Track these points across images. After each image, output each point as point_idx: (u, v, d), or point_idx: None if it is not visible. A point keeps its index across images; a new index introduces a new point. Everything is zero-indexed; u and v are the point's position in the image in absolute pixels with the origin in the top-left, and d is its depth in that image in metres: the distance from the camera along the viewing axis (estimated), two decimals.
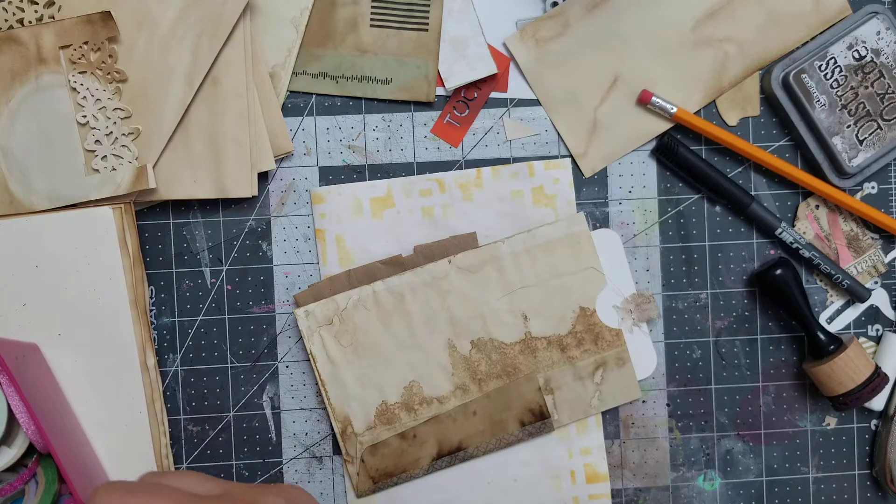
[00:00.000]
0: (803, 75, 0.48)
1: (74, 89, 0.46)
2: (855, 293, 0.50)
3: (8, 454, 0.44)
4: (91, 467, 0.46)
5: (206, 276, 0.49)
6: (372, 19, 0.48)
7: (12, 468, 0.45)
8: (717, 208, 0.50)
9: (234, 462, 0.50)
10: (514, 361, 0.49)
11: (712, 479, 0.51)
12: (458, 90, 0.49)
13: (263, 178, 0.49)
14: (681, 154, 0.48)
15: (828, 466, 0.51)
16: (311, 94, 0.49)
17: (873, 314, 0.51)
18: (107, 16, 0.45)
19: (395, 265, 0.49)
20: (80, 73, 0.46)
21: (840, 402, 0.47)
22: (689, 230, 0.50)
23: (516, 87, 0.50)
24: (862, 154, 0.48)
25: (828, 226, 0.50)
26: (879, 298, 0.51)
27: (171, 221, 0.49)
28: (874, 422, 0.51)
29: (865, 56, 0.48)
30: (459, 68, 0.49)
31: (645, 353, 0.50)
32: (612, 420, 0.50)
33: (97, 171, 0.47)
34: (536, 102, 0.50)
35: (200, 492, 0.34)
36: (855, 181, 0.49)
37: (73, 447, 0.45)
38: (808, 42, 0.49)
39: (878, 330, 0.51)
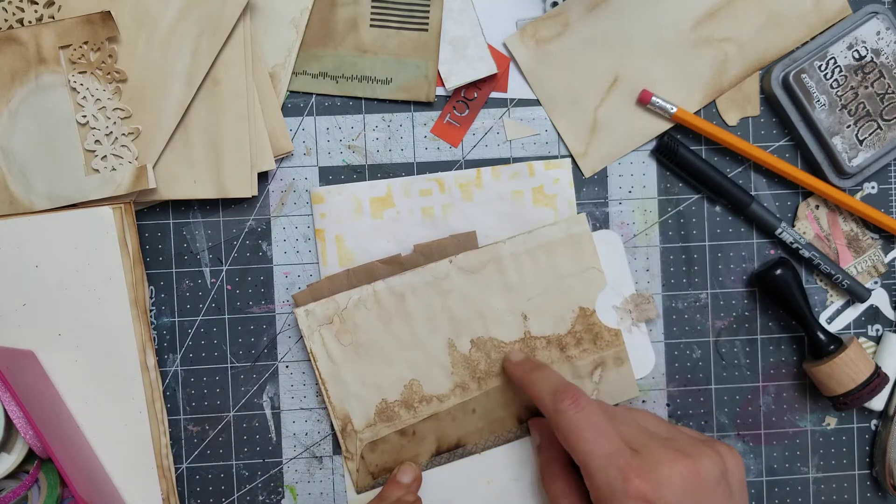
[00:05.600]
0: (803, 75, 0.48)
1: (74, 89, 0.46)
2: (855, 293, 0.50)
3: (8, 460, 0.44)
4: (92, 469, 0.46)
5: (206, 276, 0.49)
6: (372, 19, 0.48)
7: (13, 474, 0.45)
8: (717, 208, 0.50)
9: (234, 462, 0.50)
10: None
11: None
12: (458, 90, 0.49)
13: (263, 178, 0.49)
14: (681, 154, 0.48)
15: (828, 466, 0.51)
16: (311, 94, 0.49)
17: (873, 314, 0.51)
18: (107, 16, 0.45)
19: (395, 264, 0.49)
20: (80, 73, 0.46)
21: (840, 402, 0.47)
22: (689, 230, 0.50)
23: (516, 87, 0.50)
24: (862, 154, 0.48)
25: (828, 226, 0.50)
26: (879, 298, 0.51)
27: (171, 221, 0.49)
28: (874, 422, 0.51)
29: (865, 56, 0.48)
30: (459, 68, 0.49)
31: (643, 353, 0.50)
32: None
33: (97, 171, 0.47)
34: (536, 102, 0.50)
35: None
36: (855, 181, 0.49)
37: (72, 450, 0.45)
38: (808, 42, 0.49)
39: (878, 330, 0.51)
